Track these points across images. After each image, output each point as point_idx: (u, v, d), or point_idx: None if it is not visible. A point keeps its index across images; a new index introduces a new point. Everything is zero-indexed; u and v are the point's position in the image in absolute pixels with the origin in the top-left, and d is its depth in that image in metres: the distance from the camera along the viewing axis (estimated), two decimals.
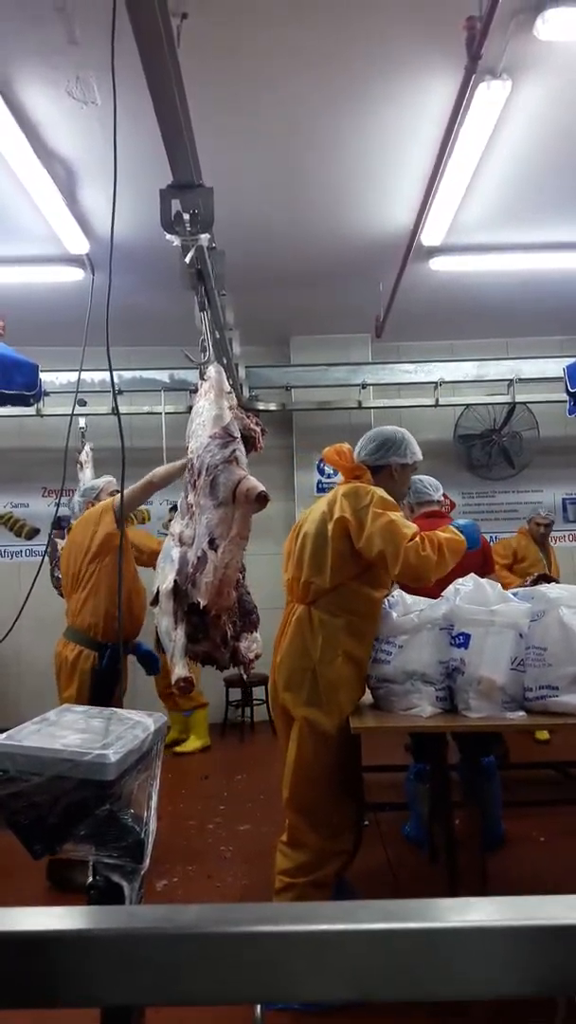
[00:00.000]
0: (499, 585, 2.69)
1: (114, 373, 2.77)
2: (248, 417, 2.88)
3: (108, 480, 4.35)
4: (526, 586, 3.92)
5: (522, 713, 2.51)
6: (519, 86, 3.32)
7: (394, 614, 2.70)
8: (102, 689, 3.41)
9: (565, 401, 5.90)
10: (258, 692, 6.27)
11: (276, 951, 0.53)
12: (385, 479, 2.80)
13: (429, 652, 2.60)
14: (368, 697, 2.82)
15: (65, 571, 3.78)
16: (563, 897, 0.61)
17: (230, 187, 3.42)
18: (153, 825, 1.18)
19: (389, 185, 4.22)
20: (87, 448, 5.15)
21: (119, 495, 3.55)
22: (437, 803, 3.12)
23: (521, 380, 6.46)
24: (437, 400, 6.51)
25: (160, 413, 6.23)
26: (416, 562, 2.51)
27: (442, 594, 2.73)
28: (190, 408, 6.03)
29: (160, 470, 3.44)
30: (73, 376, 5.33)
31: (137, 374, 6.32)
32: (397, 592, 2.82)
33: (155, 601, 2.68)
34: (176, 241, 2.54)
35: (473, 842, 3.13)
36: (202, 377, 2.85)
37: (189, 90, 2.14)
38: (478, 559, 3.81)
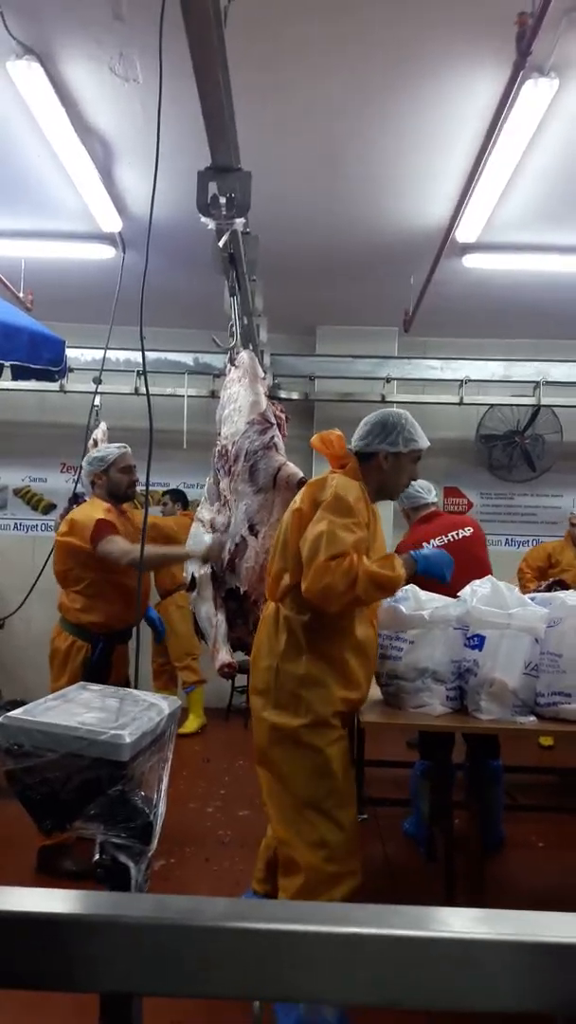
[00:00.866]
0: (516, 589, 2.68)
1: (139, 353, 2.77)
2: (273, 404, 2.88)
3: (122, 451, 3.66)
4: (540, 591, 3.91)
5: (533, 718, 2.51)
6: (566, 85, 3.28)
7: (403, 608, 2.68)
8: (93, 681, 3.37)
9: None
10: None
11: (288, 948, 0.52)
12: (373, 469, 2.50)
13: (442, 651, 2.59)
14: (376, 693, 2.82)
15: (55, 566, 3.55)
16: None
17: (267, 173, 3.39)
18: (162, 808, 1.18)
19: (427, 179, 4.17)
20: (102, 426, 5.15)
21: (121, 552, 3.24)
22: (438, 802, 3.12)
23: (548, 383, 6.40)
24: (461, 398, 6.48)
25: (183, 396, 6.23)
26: (319, 586, 2.22)
27: (459, 594, 2.72)
28: (213, 392, 6.09)
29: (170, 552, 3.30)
30: (97, 354, 5.33)
31: (162, 355, 6.31)
32: (409, 587, 2.80)
33: (192, 587, 2.68)
34: (211, 224, 2.53)
35: (472, 844, 3.13)
36: (231, 362, 2.84)
37: (232, 74, 2.13)
38: (483, 541, 3.81)
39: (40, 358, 3.97)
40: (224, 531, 2.63)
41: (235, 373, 2.74)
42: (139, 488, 3.75)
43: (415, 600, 2.71)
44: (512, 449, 6.89)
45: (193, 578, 2.65)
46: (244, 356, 2.69)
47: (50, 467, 6.84)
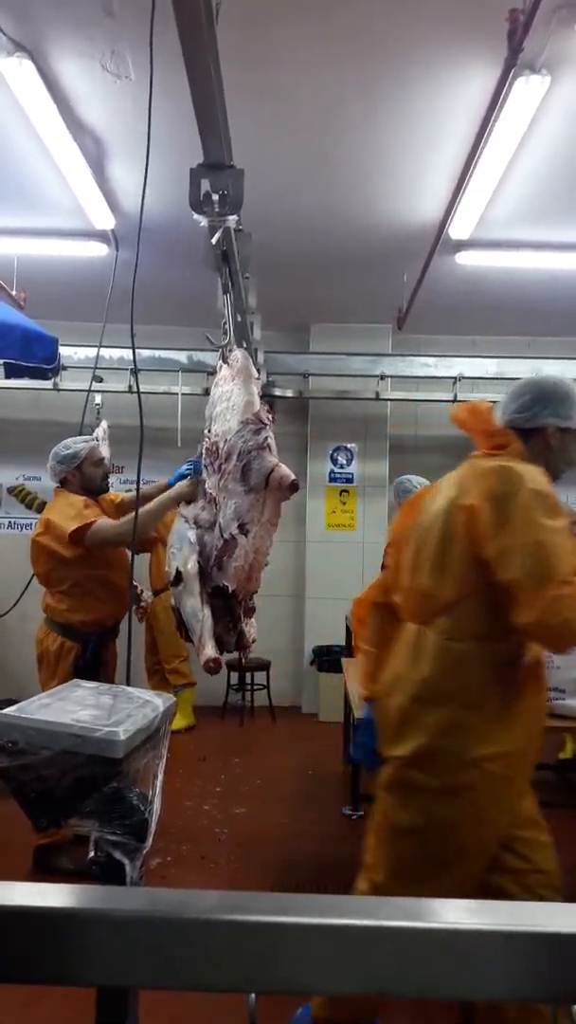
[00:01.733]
0: None
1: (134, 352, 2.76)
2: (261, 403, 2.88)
3: (91, 444, 3.58)
4: None
5: None
6: (558, 82, 3.28)
7: None
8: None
9: None
10: (259, 677, 6.30)
11: (281, 941, 0.53)
12: (540, 448, 2.01)
13: None
14: None
15: (35, 567, 3.48)
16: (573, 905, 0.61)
17: (259, 170, 3.39)
18: (158, 805, 1.18)
19: (420, 176, 4.18)
20: (103, 425, 5.13)
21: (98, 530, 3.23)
22: None
23: None
24: (456, 395, 6.48)
25: (177, 393, 6.22)
26: (558, 620, 1.69)
27: None
28: (206, 390, 6.07)
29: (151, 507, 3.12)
30: (91, 351, 5.32)
31: (155, 353, 6.31)
32: None
33: (176, 582, 2.68)
34: (203, 221, 2.52)
35: None
36: (224, 360, 2.84)
37: (225, 71, 2.12)
38: None
39: (33, 356, 3.97)
40: (208, 528, 2.64)
41: (227, 371, 2.74)
42: (133, 485, 3.73)
43: None
44: None
45: (178, 572, 2.65)
46: (238, 355, 2.69)
47: (44, 465, 6.76)
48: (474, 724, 1.87)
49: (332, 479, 6.74)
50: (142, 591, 5.09)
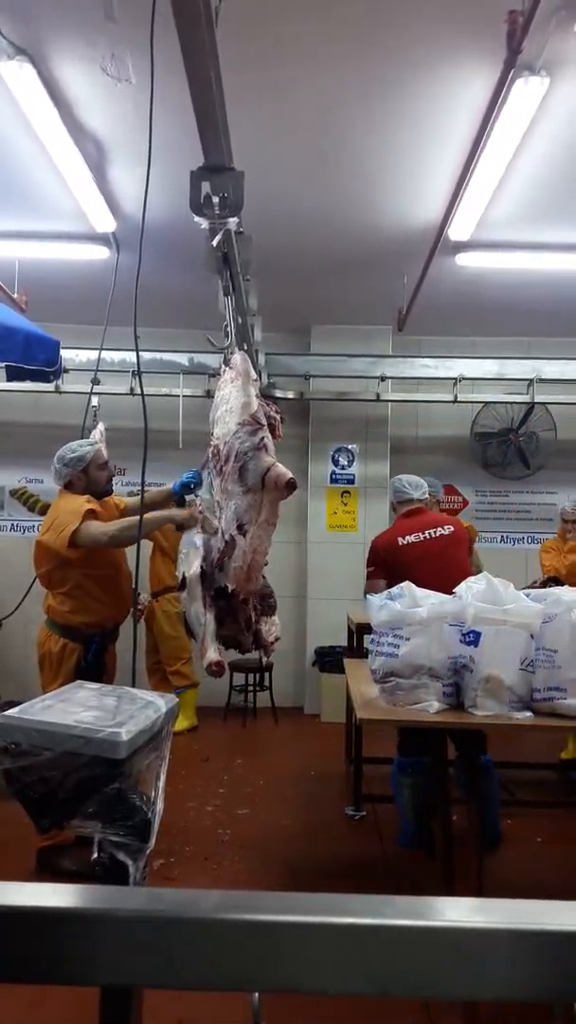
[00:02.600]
0: (511, 585, 2.69)
1: (134, 354, 2.77)
2: (268, 405, 2.88)
3: (95, 447, 3.56)
4: (535, 587, 3.92)
5: (529, 713, 2.52)
6: (556, 83, 3.28)
7: (399, 605, 2.70)
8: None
9: None
10: (262, 678, 6.30)
11: (290, 941, 0.53)
12: None
13: (438, 647, 2.60)
14: (373, 690, 2.83)
15: (37, 568, 3.48)
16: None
17: (259, 172, 3.40)
18: (160, 806, 1.19)
19: (420, 178, 4.18)
20: (100, 427, 5.11)
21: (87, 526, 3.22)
22: (435, 799, 3.13)
23: (541, 380, 6.42)
24: (456, 396, 6.49)
25: (178, 396, 6.23)
26: None
27: (454, 591, 2.73)
28: (208, 392, 6.09)
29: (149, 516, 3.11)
30: (92, 354, 5.32)
31: (156, 356, 6.31)
32: (404, 584, 2.81)
33: (182, 586, 2.69)
34: (204, 224, 2.53)
35: (471, 840, 3.14)
36: (225, 362, 2.85)
37: (224, 74, 2.13)
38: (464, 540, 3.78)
39: (35, 359, 3.98)
40: (215, 533, 2.65)
41: (227, 374, 2.75)
42: (135, 488, 3.74)
43: (411, 597, 2.73)
44: (506, 447, 6.91)
45: (184, 578, 2.66)
46: (237, 358, 2.70)
47: (46, 468, 6.74)
48: None
49: (333, 480, 6.75)
50: (139, 593, 5.10)
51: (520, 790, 4.45)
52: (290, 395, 6.51)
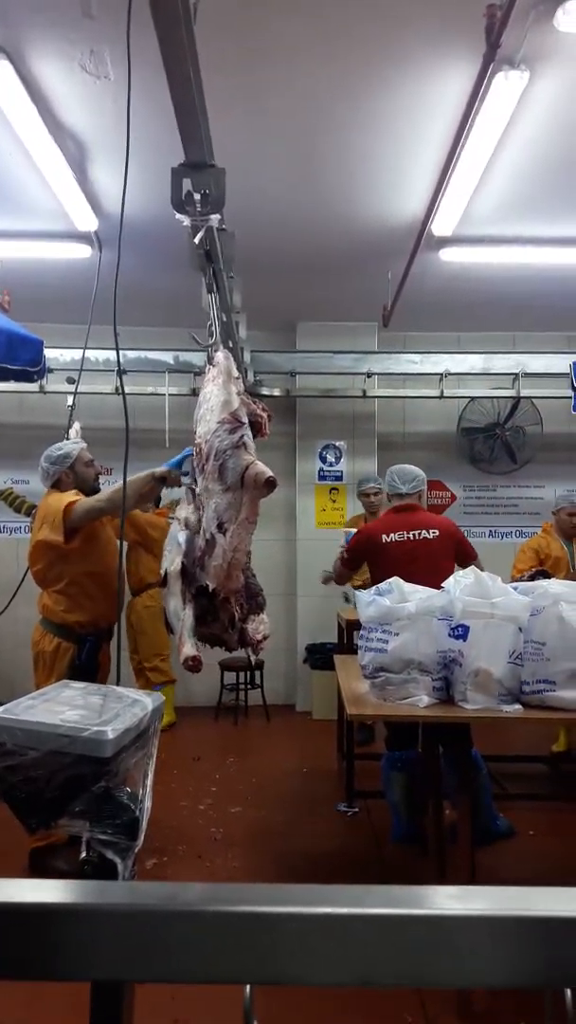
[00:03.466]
0: (499, 578, 2.69)
1: (118, 353, 2.76)
2: (255, 403, 2.87)
3: (80, 445, 3.68)
4: (523, 580, 3.93)
5: (518, 706, 2.52)
6: (536, 78, 3.29)
7: (387, 600, 2.70)
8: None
9: (570, 397, 5.90)
10: (253, 676, 6.29)
11: (276, 932, 0.53)
12: None
13: (427, 641, 2.60)
14: (364, 686, 2.83)
15: (32, 566, 3.51)
16: (562, 889, 0.61)
17: (241, 169, 3.39)
18: (148, 804, 1.18)
19: (402, 173, 4.18)
20: (76, 426, 5.03)
21: (77, 503, 3.30)
22: (427, 794, 3.13)
23: (527, 375, 6.43)
24: (442, 392, 6.50)
25: (164, 395, 6.21)
26: None
27: (442, 585, 2.73)
28: (194, 391, 6.07)
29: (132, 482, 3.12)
30: (76, 353, 5.29)
31: (141, 354, 6.28)
32: (393, 580, 2.82)
33: (164, 583, 2.68)
34: (186, 221, 2.51)
35: (462, 833, 3.14)
36: (209, 361, 2.83)
37: (203, 73, 2.12)
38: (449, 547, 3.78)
39: (18, 359, 3.96)
40: (197, 531, 2.65)
41: (211, 372, 2.74)
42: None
43: (399, 592, 2.73)
44: (493, 441, 6.93)
45: (165, 573, 2.66)
46: (219, 356, 2.68)
47: (32, 468, 6.71)
48: None
49: (321, 477, 6.75)
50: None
51: (512, 784, 4.46)
52: (276, 392, 6.50)
